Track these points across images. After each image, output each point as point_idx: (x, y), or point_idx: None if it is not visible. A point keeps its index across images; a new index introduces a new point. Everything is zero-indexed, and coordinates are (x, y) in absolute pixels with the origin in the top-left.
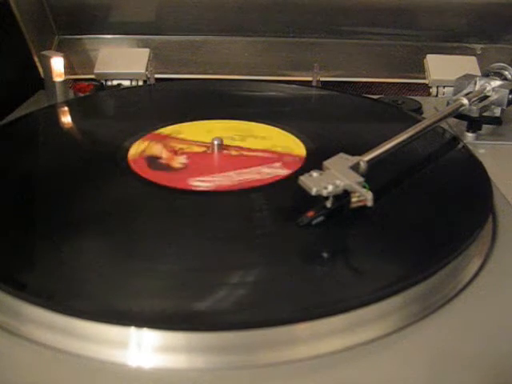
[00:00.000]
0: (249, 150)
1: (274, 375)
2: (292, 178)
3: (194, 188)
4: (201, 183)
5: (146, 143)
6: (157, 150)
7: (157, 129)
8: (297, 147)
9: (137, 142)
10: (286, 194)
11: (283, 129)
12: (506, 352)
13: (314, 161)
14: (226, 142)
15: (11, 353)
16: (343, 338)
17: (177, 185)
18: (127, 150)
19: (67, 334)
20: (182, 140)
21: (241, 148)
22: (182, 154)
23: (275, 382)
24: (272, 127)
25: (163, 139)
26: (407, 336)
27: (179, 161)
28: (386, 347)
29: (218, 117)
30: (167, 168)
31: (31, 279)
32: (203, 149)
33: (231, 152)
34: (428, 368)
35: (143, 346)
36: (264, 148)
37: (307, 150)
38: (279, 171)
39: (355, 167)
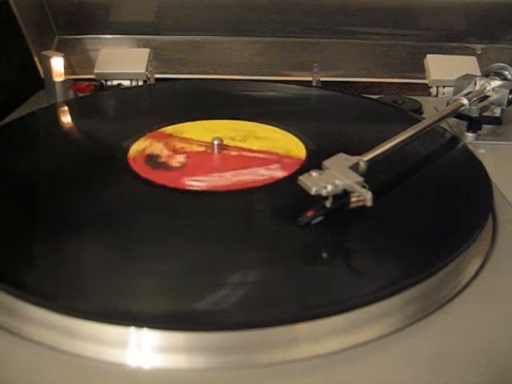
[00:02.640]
0: (249, 150)
1: (274, 375)
2: (288, 180)
3: (188, 187)
4: (195, 183)
5: (147, 142)
6: (157, 148)
7: (159, 128)
8: (297, 148)
9: (138, 141)
10: (281, 195)
11: (283, 129)
12: (506, 352)
13: (313, 162)
14: (226, 142)
15: (11, 353)
16: (343, 338)
17: (172, 184)
18: (127, 149)
19: (67, 333)
20: (184, 139)
21: (241, 149)
22: (182, 152)
23: (275, 382)
24: (274, 128)
25: (165, 138)
26: (407, 336)
27: (178, 160)
28: (386, 347)
29: (219, 117)
30: (165, 167)
31: (31, 279)
32: (203, 148)
33: (231, 152)
34: (428, 368)
35: (143, 346)
36: (264, 149)
37: (307, 150)
38: (276, 173)
39: (355, 167)
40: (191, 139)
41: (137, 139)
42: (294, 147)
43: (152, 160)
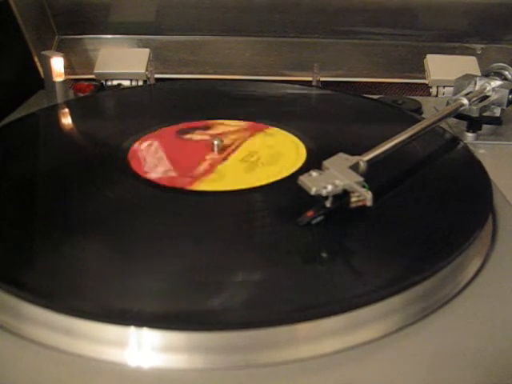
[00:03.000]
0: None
1: (274, 375)
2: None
3: (147, 175)
4: (153, 174)
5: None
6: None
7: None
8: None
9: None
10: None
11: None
12: (506, 352)
13: (313, 162)
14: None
15: (11, 353)
16: (343, 338)
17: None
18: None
19: (67, 333)
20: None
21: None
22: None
23: (275, 382)
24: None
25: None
26: (407, 336)
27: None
28: (386, 347)
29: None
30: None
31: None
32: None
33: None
34: (428, 368)
35: (143, 346)
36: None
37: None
38: None
39: (355, 167)
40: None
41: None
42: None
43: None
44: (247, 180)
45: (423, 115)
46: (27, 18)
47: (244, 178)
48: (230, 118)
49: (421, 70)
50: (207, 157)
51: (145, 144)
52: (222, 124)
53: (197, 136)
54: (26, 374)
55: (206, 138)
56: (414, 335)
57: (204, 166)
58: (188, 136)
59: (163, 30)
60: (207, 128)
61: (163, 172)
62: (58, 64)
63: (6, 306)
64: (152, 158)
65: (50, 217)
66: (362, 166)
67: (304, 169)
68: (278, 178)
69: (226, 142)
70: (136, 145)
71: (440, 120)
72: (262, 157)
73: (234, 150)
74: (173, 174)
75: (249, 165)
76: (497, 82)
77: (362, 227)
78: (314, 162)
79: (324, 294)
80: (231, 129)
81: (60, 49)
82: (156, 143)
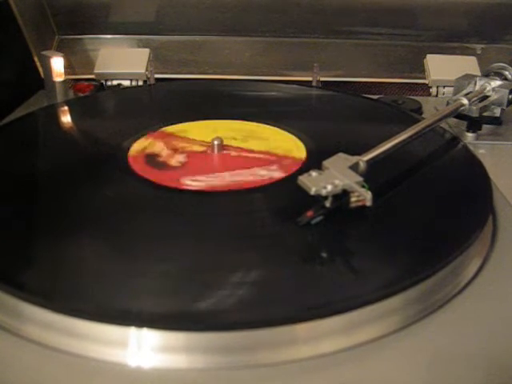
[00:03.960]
0: (249, 151)
1: (275, 375)
2: (286, 181)
3: (185, 187)
4: (193, 182)
5: (148, 141)
6: (158, 147)
7: (161, 127)
8: (297, 149)
9: (140, 140)
10: (280, 196)
11: (283, 129)
12: (506, 352)
13: (313, 162)
14: (227, 142)
15: (11, 353)
16: (343, 338)
17: (170, 183)
18: (127, 149)
19: (67, 333)
20: (185, 139)
21: (241, 149)
22: (182, 152)
23: (275, 382)
24: (275, 128)
25: (166, 137)
26: (407, 336)
27: (177, 159)
28: (386, 347)
29: (219, 117)
30: (164, 166)
31: (31, 279)
32: (204, 148)
33: (231, 152)
34: (428, 368)
35: (143, 346)
36: (264, 150)
37: (307, 150)
38: (275, 174)
39: (354, 167)
40: (193, 139)
41: (137, 139)
42: (293, 148)
43: (152, 159)
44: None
45: (423, 115)
46: (27, 18)
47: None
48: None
49: (421, 69)
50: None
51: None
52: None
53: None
54: (26, 373)
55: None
56: (414, 335)
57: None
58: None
59: (163, 30)
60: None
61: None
62: (58, 64)
63: (5, 305)
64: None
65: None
66: (362, 166)
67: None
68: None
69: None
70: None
71: (440, 120)
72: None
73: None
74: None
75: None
76: (497, 82)
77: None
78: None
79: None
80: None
81: (60, 49)
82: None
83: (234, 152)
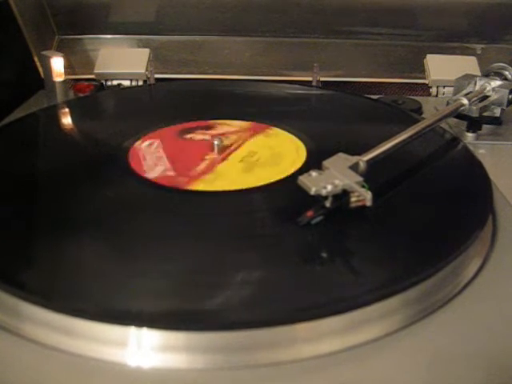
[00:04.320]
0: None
1: (274, 375)
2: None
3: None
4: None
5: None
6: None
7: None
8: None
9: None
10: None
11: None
12: (506, 352)
13: (313, 162)
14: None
15: (11, 353)
16: (343, 338)
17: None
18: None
19: (67, 333)
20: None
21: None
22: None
23: (275, 382)
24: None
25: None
26: (407, 336)
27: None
28: (386, 347)
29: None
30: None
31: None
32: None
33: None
34: (428, 368)
35: (143, 346)
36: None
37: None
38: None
39: (354, 167)
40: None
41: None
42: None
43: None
44: (245, 180)
45: (423, 115)
46: (27, 18)
47: (241, 179)
48: (230, 118)
49: (421, 69)
50: (207, 157)
51: (146, 143)
52: (225, 124)
53: (198, 136)
54: (26, 373)
55: (207, 137)
56: (414, 335)
57: (203, 165)
58: (189, 136)
59: (163, 30)
60: (209, 128)
61: (162, 171)
62: (58, 64)
63: (5, 305)
64: (152, 157)
65: (49, 216)
66: (362, 165)
67: (304, 169)
68: (276, 179)
69: (227, 142)
70: (137, 144)
71: (440, 120)
72: (262, 157)
73: (234, 150)
74: (171, 173)
75: (248, 165)
76: (497, 82)
77: (362, 227)
78: (314, 161)
79: (324, 294)
80: (232, 129)
81: (60, 49)
82: (157, 142)
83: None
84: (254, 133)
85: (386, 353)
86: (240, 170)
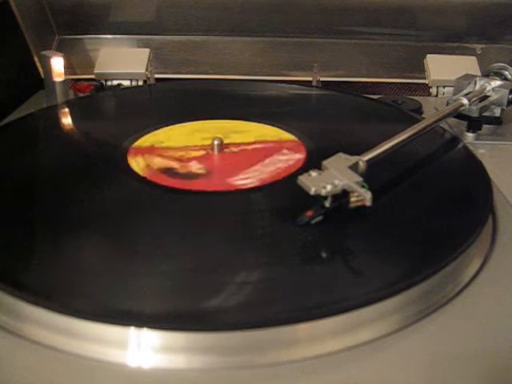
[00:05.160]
0: (244, 144)
1: (274, 375)
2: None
3: (239, 187)
4: (243, 181)
5: (142, 159)
6: (160, 162)
7: (133, 142)
8: (282, 134)
9: (133, 158)
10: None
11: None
12: (506, 352)
13: (313, 162)
14: (206, 141)
15: (11, 353)
16: (343, 338)
17: (220, 187)
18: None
19: (67, 333)
20: (173, 148)
21: (236, 144)
22: (190, 160)
23: (275, 382)
24: (248, 122)
25: (151, 151)
26: (407, 336)
27: (196, 166)
28: (386, 347)
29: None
30: (191, 175)
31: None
32: (202, 152)
33: (232, 149)
34: (428, 368)
35: (143, 346)
36: (255, 140)
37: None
38: (295, 155)
39: (354, 167)
40: (185, 146)
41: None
42: (279, 134)
43: (171, 172)
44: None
45: (423, 115)
46: (27, 18)
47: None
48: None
49: (421, 70)
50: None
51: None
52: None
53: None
54: (26, 373)
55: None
56: (414, 335)
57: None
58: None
59: (163, 30)
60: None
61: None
62: (58, 64)
63: (5, 305)
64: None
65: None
66: (362, 165)
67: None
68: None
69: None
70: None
71: (440, 120)
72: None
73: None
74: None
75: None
76: (497, 82)
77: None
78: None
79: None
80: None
81: (60, 49)
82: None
83: (234, 148)
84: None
85: (386, 353)
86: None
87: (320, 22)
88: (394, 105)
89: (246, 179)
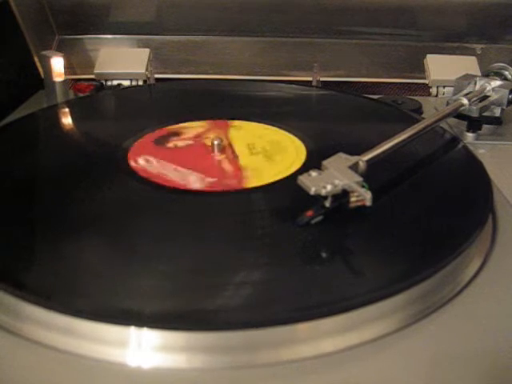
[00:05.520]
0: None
1: (274, 375)
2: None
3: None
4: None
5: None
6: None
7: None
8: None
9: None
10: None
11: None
12: (506, 352)
13: (313, 162)
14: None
15: (11, 353)
16: (343, 338)
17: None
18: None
19: (67, 333)
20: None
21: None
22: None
23: (275, 382)
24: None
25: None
26: (407, 336)
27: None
28: (386, 347)
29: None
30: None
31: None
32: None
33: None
34: (428, 368)
35: (143, 346)
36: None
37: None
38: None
39: (354, 167)
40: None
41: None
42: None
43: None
44: (276, 167)
45: (423, 115)
46: (27, 18)
47: (272, 167)
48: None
49: (421, 69)
50: (217, 158)
51: (142, 162)
52: (188, 127)
53: (179, 143)
54: (26, 373)
55: (191, 142)
56: (414, 335)
57: (227, 166)
58: (170, 145)
59: (163, 30)
60: (180, 134)
61: (198, 181)
62: (58, 64)
63: (5, 305)
64: (168, 171)
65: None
66: (362, 165)
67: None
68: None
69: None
70: (132, 163)
71: (440, 120)
72: (265, 146)
73: (230, 146)
74: (210, 179)
75: (263, 155)
76: (497, 82)
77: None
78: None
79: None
80: (201, 130)
81: (60, 49)
82: (152, 158)
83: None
84: (222, 128)
85: (386, 353)
86: (261, 160)
87: (320, 22)
88: (393, 105)
89: (195, 182)
